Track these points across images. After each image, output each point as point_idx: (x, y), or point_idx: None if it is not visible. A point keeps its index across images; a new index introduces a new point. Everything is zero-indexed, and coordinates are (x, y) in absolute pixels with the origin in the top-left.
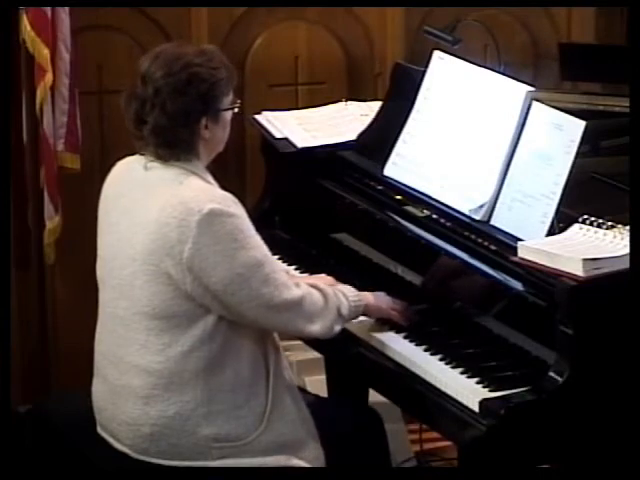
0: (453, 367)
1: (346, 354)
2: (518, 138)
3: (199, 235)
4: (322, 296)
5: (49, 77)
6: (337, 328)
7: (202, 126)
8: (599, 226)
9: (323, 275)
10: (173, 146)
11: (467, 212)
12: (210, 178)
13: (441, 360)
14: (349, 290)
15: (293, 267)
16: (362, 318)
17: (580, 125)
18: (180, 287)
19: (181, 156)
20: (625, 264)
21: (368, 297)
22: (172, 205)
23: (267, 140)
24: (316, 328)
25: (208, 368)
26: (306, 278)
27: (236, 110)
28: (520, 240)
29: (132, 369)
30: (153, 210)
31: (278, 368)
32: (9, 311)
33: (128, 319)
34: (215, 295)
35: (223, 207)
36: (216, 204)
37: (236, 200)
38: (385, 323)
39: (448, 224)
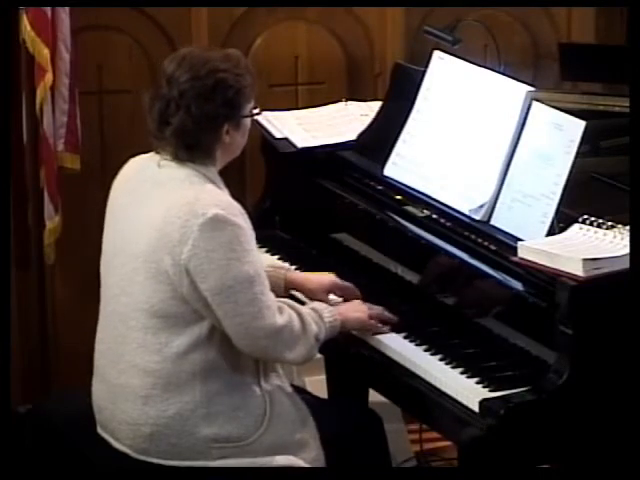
0: (453, 367)
1: (346, 354)
2: (518, 138)
3: (199, 238)
4: (301, 323)
5: (49, 77)
6: (314, 353)
7: (224, 131)
8: (599, 226)
9: (326, 273)
10: (193, 149)
11: (467, 212)
12: (221, 184)
13: (441, 360)
14: (325, 310)
15: (293, 267)
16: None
17: (580, 125)
18: (177, 288)
19: (198, 159)
20: (625, 264)
21: (344, 313)
22: (178, 205)
23: (267, 140)
24: (293, 356)
25: (204, 370)
26: (305, 277)
27: (256, 117)
28: (520, 240)
29: (131, 369)
30: (160, 208)
31: (267, 372)
32: (9, 311)
33: (127, 316)
34: (205, 302)
35: (227, 214)
36: (221, 210)
37: (243, 211)
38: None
39: (448, 224)
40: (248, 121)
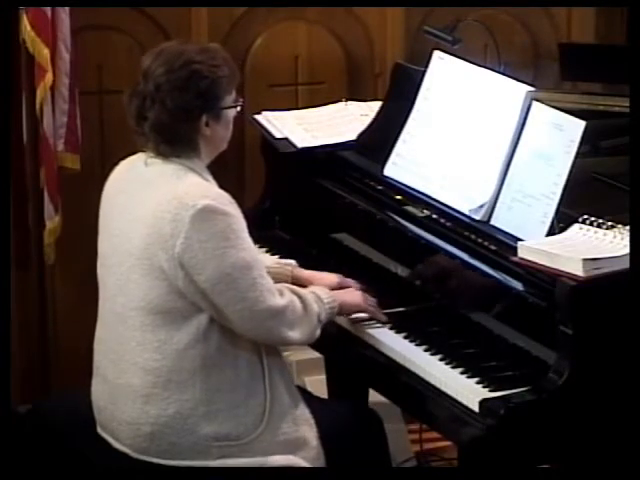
0: (453, 367)
1: (346, 354)
2: (518, 138)
3: (191, 230)
4: (302, 304)
5: (49, 77)
6: (317, 334)
7: (202, 123)
8: (599, 226)
9: (330, 274)
10: (173, 143)
11: (467, 212)
12: (209, 177)
13: (441, 360)
14: (323, 292)
15: None
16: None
17: (580, 125)
18: (173, 283)
19: (182, 153)
20: (625, 264)
21: (341, 296)
22: (167, 200)
23: (267, 140)
24: (297, 336)
25: (205, 367)
26: (311, 275)
27: (238, 109)
28: (520, 240)
29: (131, 368)
30: (150, 205)
31: (275, 368)
32: (9, 311)
33: (125, 315)
34: (204, 294)
35: (217, 204)
36: (211, 200)
37: (232, 200)
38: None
39: (448, 224)
40: (230, 113)
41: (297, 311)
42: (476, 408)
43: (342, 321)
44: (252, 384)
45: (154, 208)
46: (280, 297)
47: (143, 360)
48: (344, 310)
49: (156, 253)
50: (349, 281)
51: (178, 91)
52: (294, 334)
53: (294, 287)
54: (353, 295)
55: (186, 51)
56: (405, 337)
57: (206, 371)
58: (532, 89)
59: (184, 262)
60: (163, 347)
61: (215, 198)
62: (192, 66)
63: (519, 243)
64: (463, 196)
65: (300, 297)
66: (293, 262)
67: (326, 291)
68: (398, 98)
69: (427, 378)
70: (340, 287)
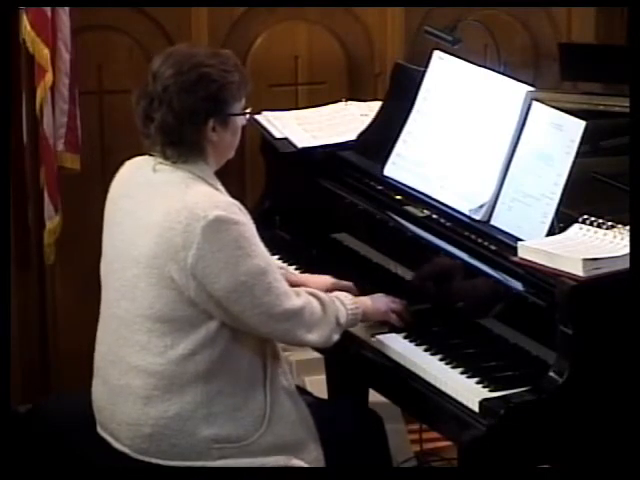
0: (453, 367)
1: (346, 354)
2: (518, 138)
3: (203, 241)
4: (321, 305)
5: (49, 77)
6: (335, 337)
7: (209, 128)
8: (599, 226)
9: (322, 276)
10: (179, 145)
11: (467, 212)
12: (218, 184)
13: (441, 360)
14: (347, 298)
15: (293, 267)
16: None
17: (580, 125)
18: (183, 292)
19: (189, 158)
20: (625, 264)
21: (365, 302)
22: (177, 210)
23: (267, 140)
24: (314, 338)
25: (208, 371)
26: (305, 278)
27: (247, 117)
28: (520, 240)
29: (132, 370)
30: (158, 213)
31: (275, 372)
32: (9, 311)
33: (129, 320)
34: (218, 302)
35: (228, 214)
36: (221, 211)
37: (242, 207)
38: (385, 324)
39: (448, 224)
40: (238, 120)
41: (315, 312)
42: (476, 408)
43: None
44: (253, 387)
45: (163, 217)
46: (297, 298)
47: (146, 363)
48: (368, 316)
49: (166, 263)
50: (344, 283)
51: (185, 93)
52: (312, 336)
53: (312, 290)
54: (377, 303)
55: (197, 54)
56: (405, 337)
57: (209, 375)
58: (532, 89)
59: (197, 273)
60: (169, 352)
61: (225, 208)
62: (202, 69)
63: (519, 243)
64: (463, 196)
65: (319, 299)
66: (285, 266)
67: (350, 296)
68: (398, 98)
69: (427, 378)
70: (335, 288)
